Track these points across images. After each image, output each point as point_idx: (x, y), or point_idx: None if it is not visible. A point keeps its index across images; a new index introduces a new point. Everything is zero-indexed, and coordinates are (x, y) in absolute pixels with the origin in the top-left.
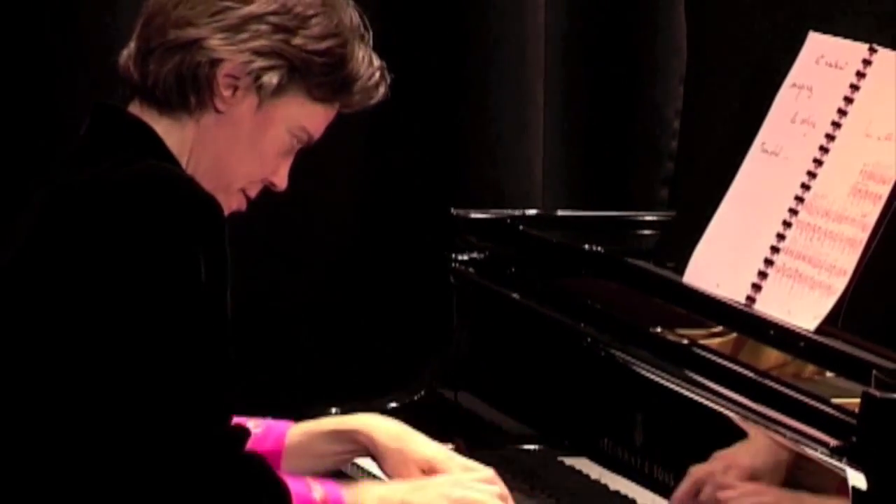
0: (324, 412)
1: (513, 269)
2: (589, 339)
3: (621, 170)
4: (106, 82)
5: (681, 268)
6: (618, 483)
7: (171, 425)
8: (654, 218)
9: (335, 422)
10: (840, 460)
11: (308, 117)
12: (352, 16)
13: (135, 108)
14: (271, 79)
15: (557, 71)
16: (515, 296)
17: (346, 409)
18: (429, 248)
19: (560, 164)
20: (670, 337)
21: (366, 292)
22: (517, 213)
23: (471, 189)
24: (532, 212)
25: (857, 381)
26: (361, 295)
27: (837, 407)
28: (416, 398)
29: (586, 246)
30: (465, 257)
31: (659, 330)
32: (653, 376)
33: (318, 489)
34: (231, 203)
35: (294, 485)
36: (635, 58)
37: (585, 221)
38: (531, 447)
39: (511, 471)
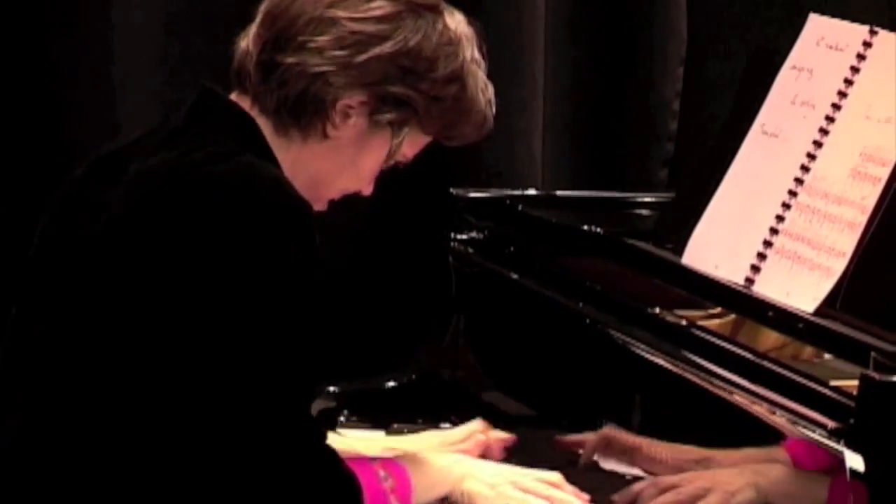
0: (322, 391)
1: (512, 249)
2: (588, 320)
3: (621, 151)
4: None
5: (680, 249)
6: (612, 463)
7: (261, 410)
8: (654, 199)
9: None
10: (838, 442)
11: (413, 146)
12: (473, 51)
13: (242, 102)
14: (388, 117)
15: (557, 51)
16: (514, 276)
17: (345, 389)
18: (428, 227)
19: (559, 144)
20: (669, 318)
21: (364, 272)
22: (516, 193)
23: (470, 169)
24: (531, 192)
25: (855, 363)
26: (360, 274)
27: (836, 389)
28: (413, 378)
29: (585, 226)
30: (465, 237)
31: (658, 311)
32: (651, 357)
33: (387, 479)
34: (318, 208)
35: (363, 475)
36: (635, 39)
37: (585, 202)
38: (528, 427)
39: (508, 451)
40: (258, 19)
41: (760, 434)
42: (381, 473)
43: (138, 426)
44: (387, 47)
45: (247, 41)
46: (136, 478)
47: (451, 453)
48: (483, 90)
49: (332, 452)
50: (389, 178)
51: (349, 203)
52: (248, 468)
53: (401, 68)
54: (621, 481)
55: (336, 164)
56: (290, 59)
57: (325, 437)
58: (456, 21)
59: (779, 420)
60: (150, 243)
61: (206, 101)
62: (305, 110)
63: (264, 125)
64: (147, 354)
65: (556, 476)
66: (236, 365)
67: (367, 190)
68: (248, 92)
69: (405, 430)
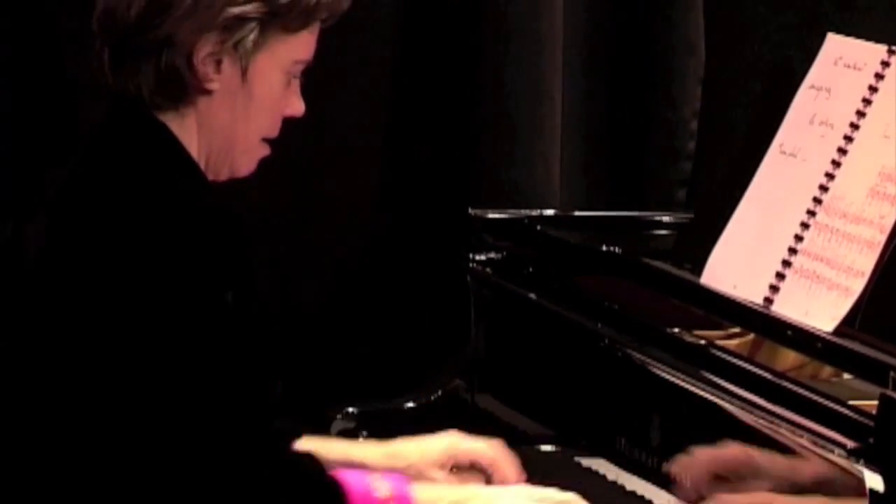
0: (341, 412)
1: (530, 269)
2: (606, 340)
3: (639, 170)
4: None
5: (698, 269)
6: (634, 484)
7: (213, 437)
8: (672, 219)
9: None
10: (857, 462)
11: (295, 50)
12: None
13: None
14: (248, 41)
15: (575, 70)
16: (532, 296)
17: (364, 409)
18: (446, 248)
19: (578, 164)
20: (687, 338)
21: (383, 292)
22: (535, 213)
23: (488, 189)
24: (549, 212)
25: (874, 382)
26: (379, 295)
27: (855, 408)
28: (433, 398)
29: (604, 246)
30: (483, 257)
31: (676, 331)
32: (670, 377)
33: (382, 486)
34: (258, 156)
35: (354, 482)
36: (653, 58)
37: (603, 222)
38: (548, 448)
39: (527, 471)
40: (97, 42)
41: (780, 454)
42: (374, 483)
43: (85, 450)
44: None
45: (98, 61)
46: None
47: (467, 486)
48: None
49: (301, 458)
50: (408, 199)
51: (367, 224)
52: (207, 484)
53: None
54: None
55: (236, 110)
56: (131, 43)
57: (287, 445)
58: None
59: (798, 440)
60: (71, 278)
61: (118, 111)
62: (176, 81)
63: (165, 118)
64: (81, 381)
65: (571, 496)
66: (168, 387)
67: (294, 110)
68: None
69: None
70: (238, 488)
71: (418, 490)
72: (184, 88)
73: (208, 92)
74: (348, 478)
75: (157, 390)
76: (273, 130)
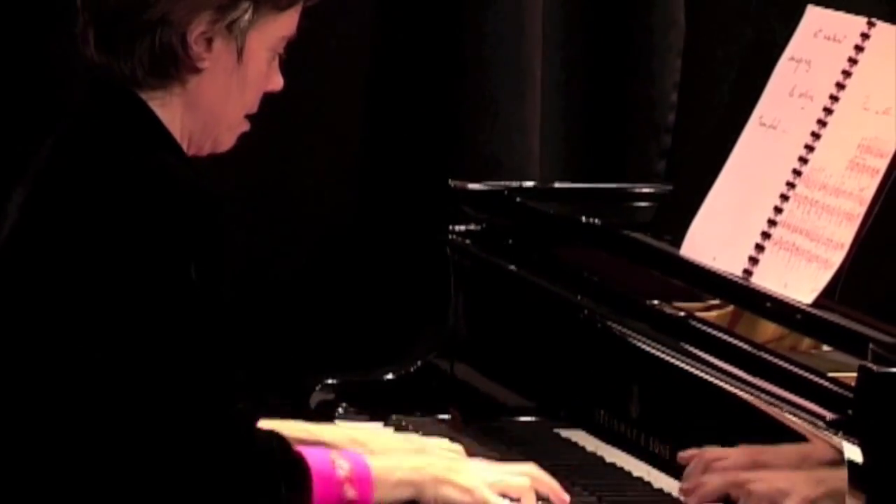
0: (320, 384)
1: (510, 241)
2: (586, 312)
3: (619, 142)
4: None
5: (678, 240)
6: (613, 455)
7: (176, 414)
8: (652, 190)
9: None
10: (836, 434)
11: (282, 27)
12: None
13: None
14: (243, 20)
15: (554, 43)
16: (512, 267)
17: (343, 381)
18: (426, 219)
19: (557, 136)
20: (667, 309)
21: (363, 264)
22: (514, 184)
23: (468, 161)
24: (529, 184)
25: (853, 354)
26: (359, 267)
27: (834, 380)
28: (412, 370)
29: (583, 218)
30: (463, 229)
31: (656, 302)
32: (649, 349)
33: (342, 466)
34: (240, 131)
35: (315, 461)
36: (632, 30)
37: (583, 194)
38: (527, 419)
39: (506, 442)
40: (81, 20)
41: (759, 426)
42: (338, 461)
43: (62, 431)
44: None
45: (87, 47)
46: (68, 481)
47: (427, 455)
48: None
49: (269, 437)
50: (389, 171)
51: (347, 196)
52: (169, 466)
53: None
54: (621, 475)
55: (228, 87)
56: (125, 23)
57: (253, 424)
58: None
59: (777, 411)
60: (53, 255)
61: (98, 92)
62: (169, 60)
63: (148, 98)
64: (46, 354)
65: (531, 467)
66: (143, 364)
67: (274, 86)
68: (121, 77)
69: (404, 423)
70: (201, 463)
71: (375, 462)
72: (176, 67)
73: (199, 70)
74: (310, 455)
75: (116, 363)
76: (255, 106)
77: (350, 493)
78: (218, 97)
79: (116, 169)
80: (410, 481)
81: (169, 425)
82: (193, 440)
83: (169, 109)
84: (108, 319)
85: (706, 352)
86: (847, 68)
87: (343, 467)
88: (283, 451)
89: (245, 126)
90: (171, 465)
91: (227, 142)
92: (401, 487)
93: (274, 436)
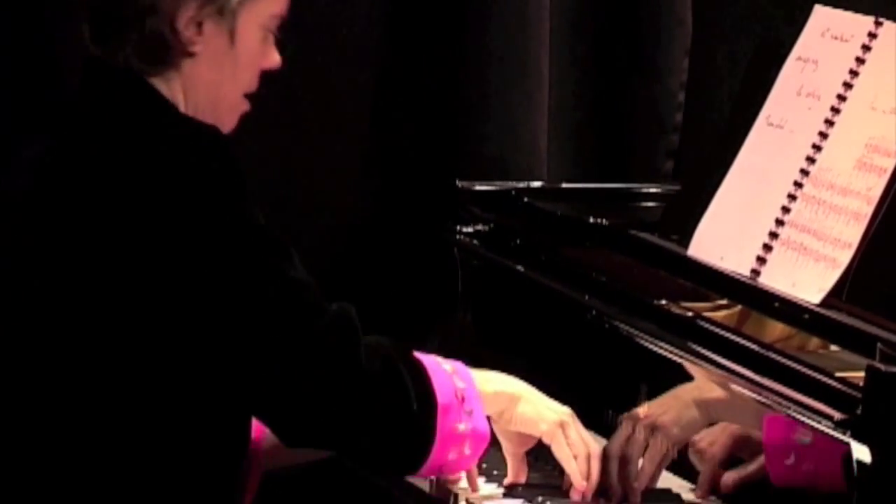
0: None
1: (517, 242)
2: (593, 312)
3: (626, 142)
4: None
5: (685, 240)
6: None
7: (288, 334)
8: (659, 190)
9: None
10: (844, 433)
11: (273, 4)
12: None
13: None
14: (232, 2)
15: (562, 43)
16: (520, 268)
17: None
18: (434, 220)
19: (565, 136)
20: (675, 309)
21: (371, 265)
22: (522, 185)
23: (476, 161)
24: (537, 184)
25: (861, 354)
26: (367, 267)
27: (842, 380)
28: None
29: (591, 218)
30: (470, 229)
31: (663, 302)
32: (657, 349)
33: (446, 363)
34: (240, 111)
35: (422, 355)
36: (640, 29)
37: (590, 194)
38: None
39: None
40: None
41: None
42: (439, 360)
43: (140, 411)
44: None
45: (86, 36)
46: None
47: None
48: None
49: (378, 341)
50: (396, 171)
51: (355, 196)
52: (290, 383)
53: None
54: None
55: (222, 69)
56: (116, 14)
57: (358, 331)
58: None
59: (785, 411)
60: (106, 238)
61: (94, 73)
62: (160, 47)
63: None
64: (139, 338)
65: (597, 450)
66: (235, 321)
67: (270, 63)
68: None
69: None
70: (332, 356)
71: (473, 370)
72: (169, 53)
73: (192, 55)
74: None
75: (213, 311)
76: (253, 85)
77: (460, 383)
78: (214, 79)
79: (153, 137)
80: (505, 392)
81: (286, 343)
82: (308, 354)
83: (172, 94)
84: (199, 273)
85: (714, 352)
86: (854, 68)
87: (447, 364)
88: (396, 343)
89: (245, 106)
90: (290, 383)
91: (229, 122)
92: (498, 397)
93: (380, 338)
